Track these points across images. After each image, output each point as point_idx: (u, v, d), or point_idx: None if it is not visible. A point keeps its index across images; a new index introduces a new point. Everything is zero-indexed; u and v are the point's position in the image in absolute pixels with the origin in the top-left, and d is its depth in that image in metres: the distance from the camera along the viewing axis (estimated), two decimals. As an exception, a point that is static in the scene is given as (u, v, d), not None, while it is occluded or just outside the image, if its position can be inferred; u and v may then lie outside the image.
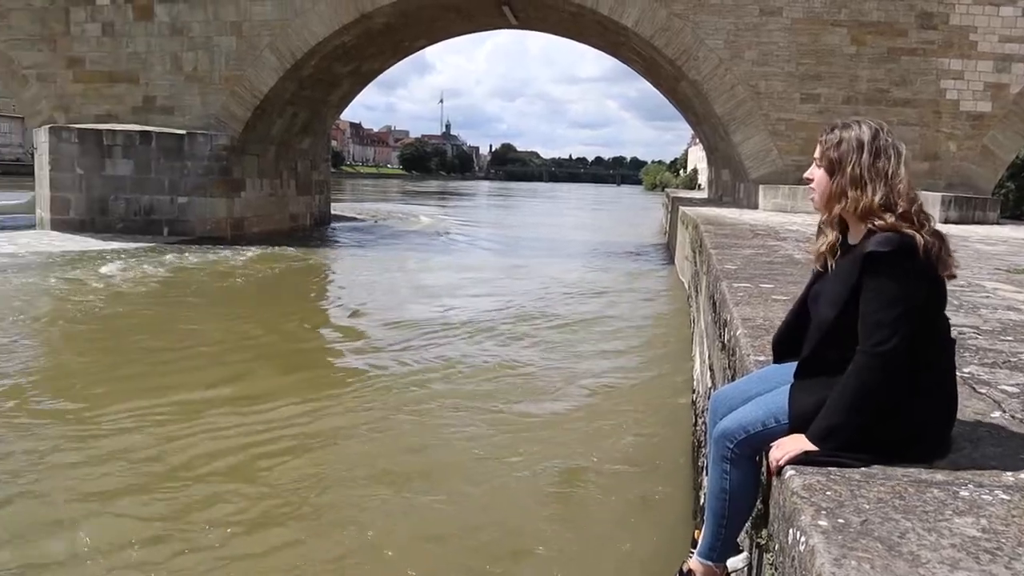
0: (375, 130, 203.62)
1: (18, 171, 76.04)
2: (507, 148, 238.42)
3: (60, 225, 20.73)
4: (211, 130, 21.19)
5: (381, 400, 7.26)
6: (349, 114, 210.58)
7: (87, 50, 22.03)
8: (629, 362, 9.37)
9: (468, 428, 6.60)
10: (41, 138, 21.26)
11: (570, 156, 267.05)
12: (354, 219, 31.77)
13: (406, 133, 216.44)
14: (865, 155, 2.38)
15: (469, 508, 5.03)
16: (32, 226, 21.83)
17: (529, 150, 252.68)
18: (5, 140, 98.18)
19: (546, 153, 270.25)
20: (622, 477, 5.67)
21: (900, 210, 2.30)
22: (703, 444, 4.02)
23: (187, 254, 18.14)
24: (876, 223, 2.30)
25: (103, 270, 15.30)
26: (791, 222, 13.95)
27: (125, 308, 12.02)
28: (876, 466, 2.19)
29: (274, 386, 7.72)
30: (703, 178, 54.25)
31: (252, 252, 19.08)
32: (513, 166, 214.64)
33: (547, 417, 6.99)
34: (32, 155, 23.00)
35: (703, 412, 4.42)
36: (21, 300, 12.18)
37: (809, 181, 2.55)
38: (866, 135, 2.41)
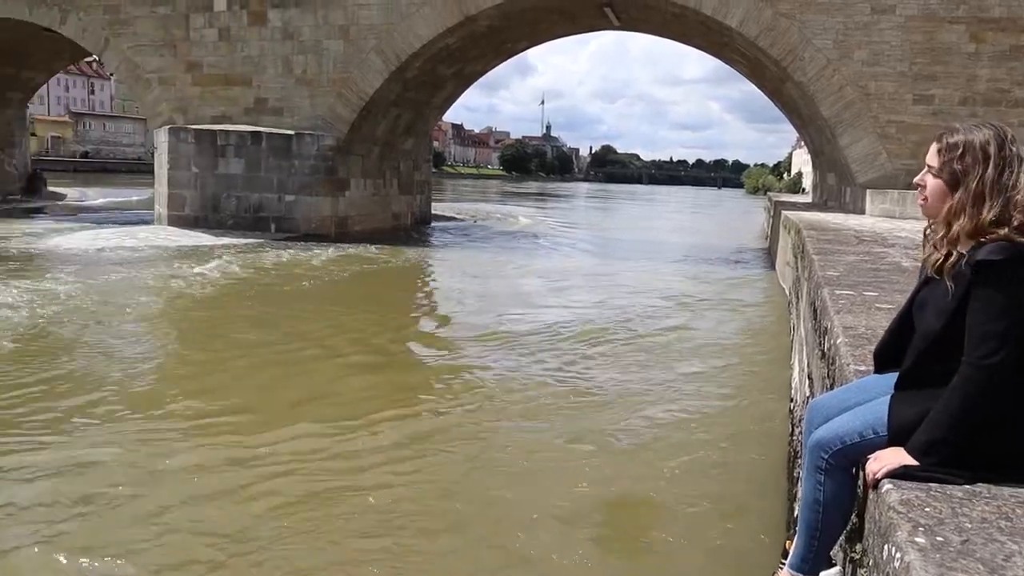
0: (476, 131, 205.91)
1: (139, 169, 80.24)
2: (607, 150, 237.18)
3: (176, 221, 21.72)
4: (318, 131, 21.84)
5: (457, 417, 7.15)
6: (451, 115, 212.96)
7: (205, 54, 23.02)
8: (724, 367, 9.21)
9: (564, 442, 6.60)
10: (161, 138, 22.33)
11: (670, 158, 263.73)
12: (454, 219, 32.20)
13: (507, 134, 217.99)
14: (990, 169, 2.24)
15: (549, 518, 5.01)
16: (151, 221, 22.97)
17: (629, 152, 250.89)
18: (129, 140, 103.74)
19: (646, 155, 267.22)
20: (715, 481, 5.59)
21: (1016, 223, 2.19)
22: (799, 454, 3.93)
23: (292, 251, 18.74)
24: (988, 237, 2.21)
25: (211, 264, 15.95)
26: (899, 228, 13.44)
27: (228, 303, 12.51)
28: (980, 484, 2.10)
29: (360, 393, 7.83)
30: (807, 182, 52.77)
31: (353, 250, 19.55)
32: (612, 168, 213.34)
33: (642, 420, 6.94)
34: (153, 154, 24.20)
35: (800, 421, 4.32)
36: (139, 291, 12.83)
37: (921, 187, 2.46)
38: (992, 145, 2.26)
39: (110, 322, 10.43)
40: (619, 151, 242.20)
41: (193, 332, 10.64)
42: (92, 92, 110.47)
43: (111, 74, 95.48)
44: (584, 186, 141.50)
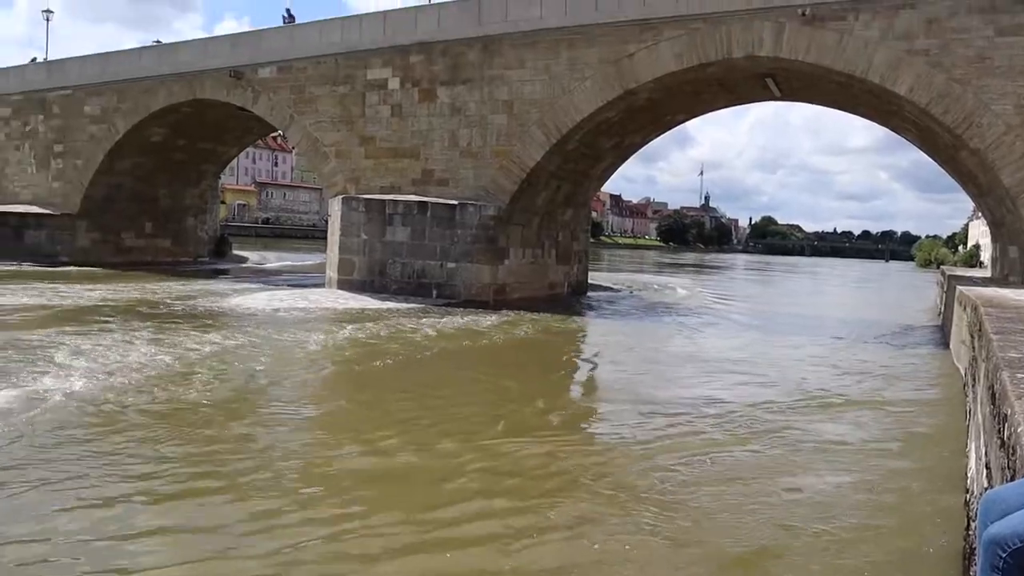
0: (634, 202, 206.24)
1: (314, 235, 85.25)
2: (767, 221, 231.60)
3: (345, 285, 22.91)
4: (480, 201, 22.62)
5: (629, 493, 7.16)
6: (610, 186, 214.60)
7: (378, 129, 24.50)
8: (892, 451, 8.74)
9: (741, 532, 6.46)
10: (334, 207, 23.78)
11: (834, 229, 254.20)
12: (610, 288, 32.24)
13: (665, 205, 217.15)
14: None
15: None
16: (322, 284, 24.34)
17: (790, 223, 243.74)
18: (306, 208, 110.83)
19: (808, 226, 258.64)
20: (883, 573, 5.32)
21: None
22: (974, 550, 3.72)
23: (453, 316, 19.29)
24: None
25: (376, 327, 16.67)
26: (1094, 308, 12.40)
27: (393, 365, 13.01)
28: None
29: (534, 466, 7.95)
30: (985, 255, 49.45)
31: (513, 316, 19.91)
32: (772, 239, 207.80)
33: (806, 506, 6.68)
34: (326, 221, 25.79)
35: (975, 514, 4.08)
36: (308, 350, 13.60)
37: None
38: None
39: (281, 380, 11.11)
40: (779, 222, 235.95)
41: (359, 392, 11.15)
42: (275, 164, 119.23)
43: (293, 147, 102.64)
44: (743, 258, 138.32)
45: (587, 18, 21.46)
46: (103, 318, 16.31)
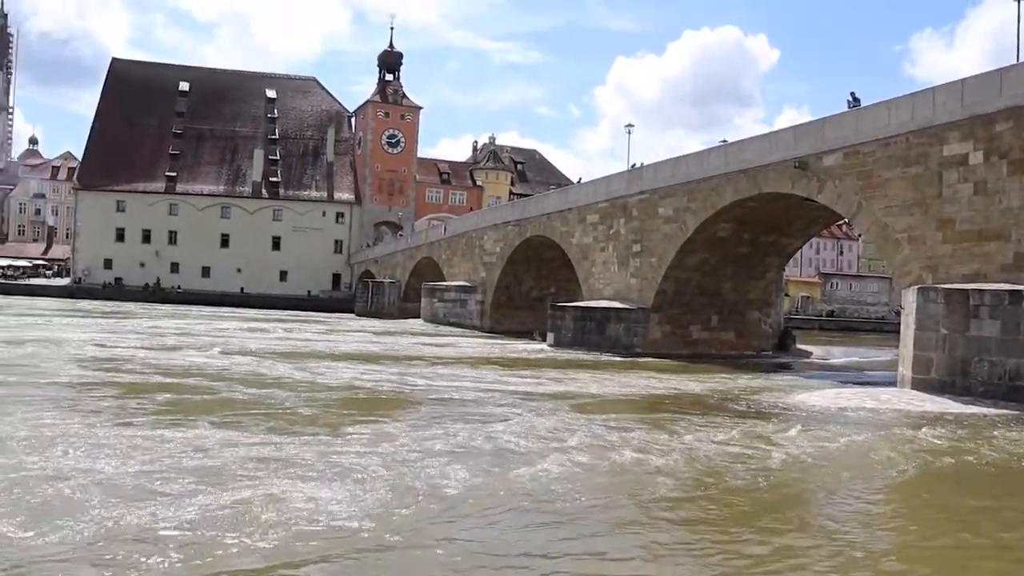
0: None
1: (882, 328, 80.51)
2: None
3: (920, 384, 20.52)
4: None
5: None
6: None
7: (956, 210, 21.88)
8: None
9: None
10: (908, 298, 21.66)
11: None
12: None
13: None
14: None
15: None
16: (893, 383, 22.23)
17: None
18: (873, 299, 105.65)
19: None
20: None
21: None
22: None
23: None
24: None
25: (958, 435, 14.37)
26: None
27: (978, 475, 10.90)
28: None
29: None
30: None
31: None
32: None
33: None
34: (896, 314, 23.65)
35: None
36: (880, 454, 12.16)
37: None
38: None
39: (847, 484, 9.96)
40: None
41: (943, 509, 9.46)
42: (840, 253, 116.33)
43: (860, 235, 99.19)
44: None
45: None
46: (673, 409, 16.89)
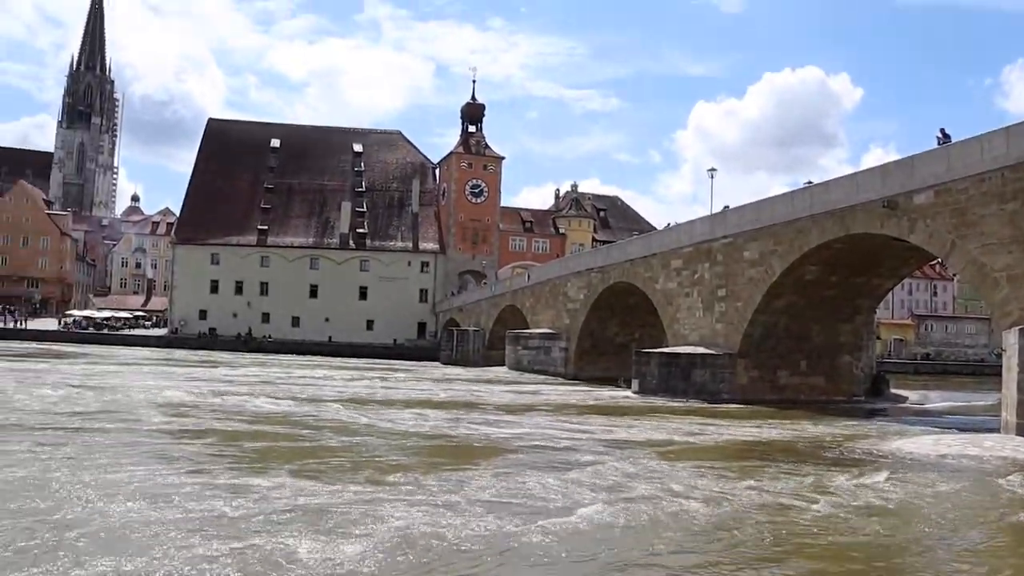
0: None
1: (982, 371, 77.09)
2: None
3: (1026, 430, 19.59)
4: None
5: None
6: None
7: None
8: None
9: None
10: (1010, 339, 20.79)
11: None
12: None
13: None
14: None
15: None
16: (996, 429, 21.27)
17: None
18: (971, 341, 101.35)
19: None
20: None
21: None
22: None
23: None
24: None
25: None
26: None
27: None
28: None
29: None
30: None
31: None
32: None
33: None
34: (997, 356, 22.67)
35: None
36: (980, 508, 11.63)
37: None
38: None
39: (956, 535, 9.56)
40: None
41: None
42: (934, 294, 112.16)
43: (955, 275, 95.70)
44: None
45: None
46: (764, 457, 16.54)
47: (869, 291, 34.16)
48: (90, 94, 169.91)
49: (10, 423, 17.82)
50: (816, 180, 32.12)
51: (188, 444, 15.94)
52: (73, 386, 27.37)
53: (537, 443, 17.97)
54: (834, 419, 25.69)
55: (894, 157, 44.40)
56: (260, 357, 61.05)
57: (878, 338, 60.05)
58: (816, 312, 33.23)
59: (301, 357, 62.89)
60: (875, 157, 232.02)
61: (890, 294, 75.83)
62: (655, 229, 67.36)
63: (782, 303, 32.35)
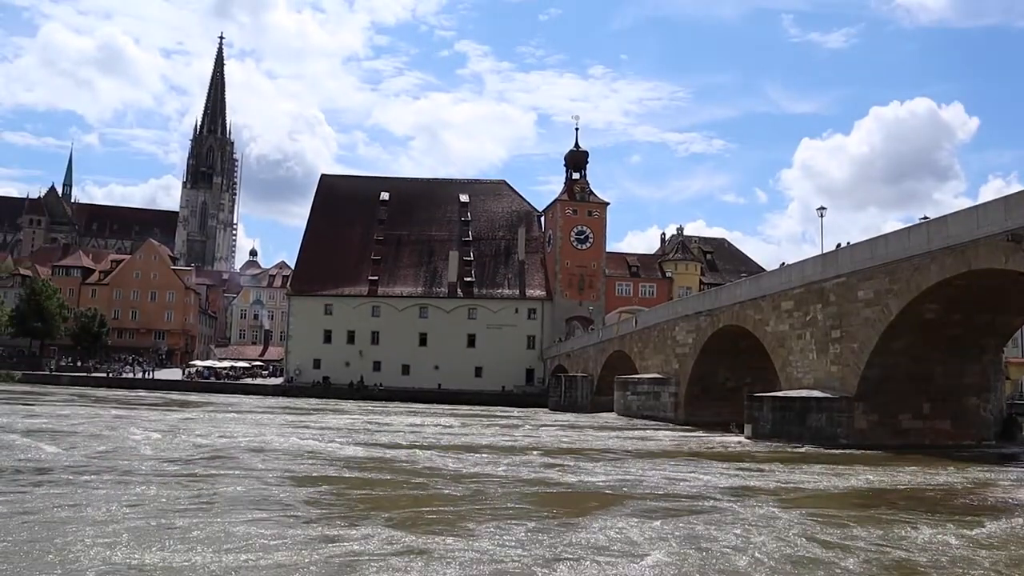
0: None
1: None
2: None
3: None
4: None
5: None
6: None
7: None
8: None
9: None
10: None
11: None
12: None
13: None
14: None
15: None
16: None
17: None
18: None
19: None
20: None
21: None
22: None
23: None
24: None
25: None
26: None
27: None
28: None
29: None
30: None
31: None
32: None
33: None
34: None
35: None
36: None
37: None
38: None
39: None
40: None
41: None
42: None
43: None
44: None
45: None
46: (891, 505, 16.10)
47: (996, 329, 32.72)
48: (211, 156, 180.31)
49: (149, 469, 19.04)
50: (931, 215, 31.20)
51: (373, 505, 16.64)
52: (222, 438, 28.78)
53: (655, 491, 17.94)
54: (964, 465, 24.61)
55: (1016, 188, 42.57)
56: (373, 405, 62.52)
57: (1007, 378, 56.88)
58: (938, 352, 31.98)
59: (413, 404, 64.09)
60: (994, 188, 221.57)
61: (1020, 333, 71.92)
62: (763, 270, 66.22)
63: (901, 343, 31.30)
